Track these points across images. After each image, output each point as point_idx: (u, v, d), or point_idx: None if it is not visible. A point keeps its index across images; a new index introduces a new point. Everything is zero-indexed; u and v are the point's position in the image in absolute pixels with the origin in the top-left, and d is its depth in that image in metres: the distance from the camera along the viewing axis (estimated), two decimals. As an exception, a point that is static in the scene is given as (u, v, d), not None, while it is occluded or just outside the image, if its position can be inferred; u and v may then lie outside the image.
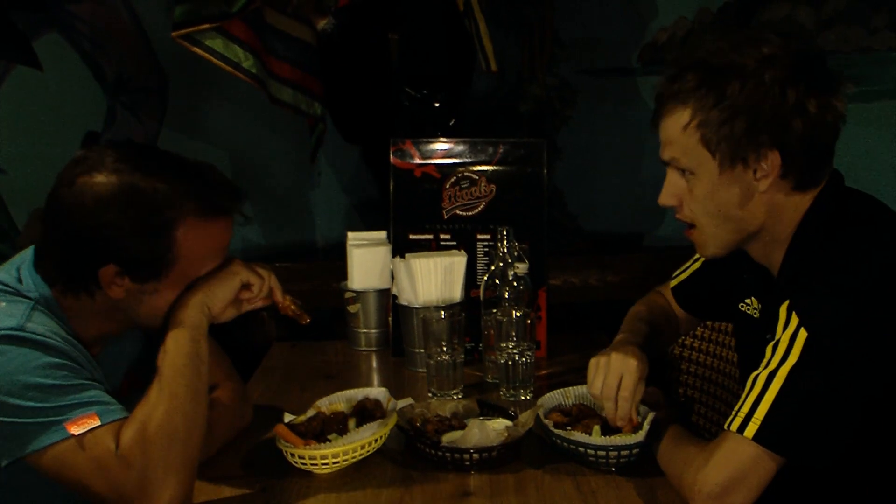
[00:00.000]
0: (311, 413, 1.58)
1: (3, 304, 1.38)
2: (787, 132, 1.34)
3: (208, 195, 1.42)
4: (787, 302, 1.31)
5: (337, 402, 1.62)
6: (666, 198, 1.47)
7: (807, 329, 1.27)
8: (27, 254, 1.47)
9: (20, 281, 1.42)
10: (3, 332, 1.32)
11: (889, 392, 1.31)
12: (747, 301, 1.58)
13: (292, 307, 1.58)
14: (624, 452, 1.43)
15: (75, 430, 1.29)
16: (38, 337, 1.34)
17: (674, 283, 1.82)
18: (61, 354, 1.34)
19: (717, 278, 1.68)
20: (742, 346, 1.69)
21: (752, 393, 1.30)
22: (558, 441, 1.48)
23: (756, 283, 1.53)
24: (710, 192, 1.41)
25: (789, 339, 1.29)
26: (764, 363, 1.31)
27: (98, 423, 1.30)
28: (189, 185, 1.40)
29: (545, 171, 2.13)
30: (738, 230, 1.43)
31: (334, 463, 1.45)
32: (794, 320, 1.29)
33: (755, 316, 1.55)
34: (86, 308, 1.43)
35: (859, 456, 1.36)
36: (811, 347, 1.27)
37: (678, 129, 1.40)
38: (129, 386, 1.58)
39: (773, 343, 1.31)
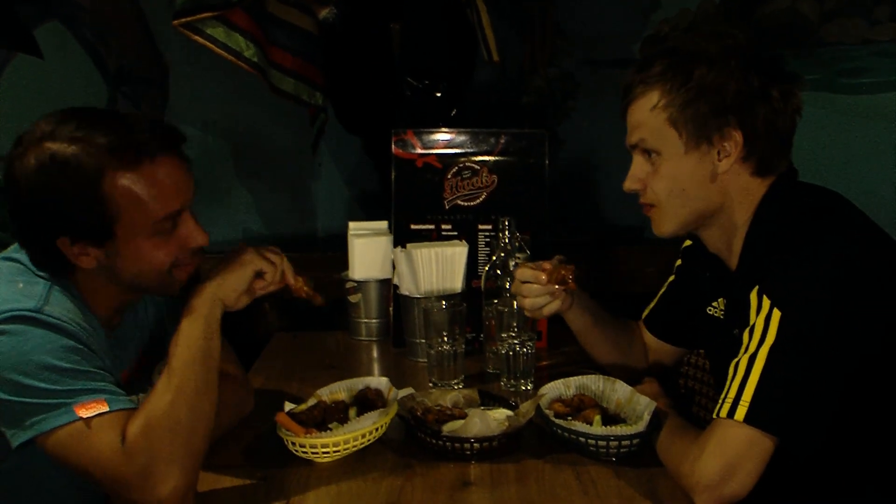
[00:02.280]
0: (311, 402, 1.58)
1: (21, 284, 1.40)
2: (750, 114, 1.41)
3: (123, 143, 1.38)
4: (756, 288, 1.35)
5: (338, 391, 1.62)
6: (631, 182, 1.52)
7: (780, 309, 1.31)
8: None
9: (31, 260, 1.44)
10: (21, 312, 1.34)
11: (866, 364, 1.33)
12: (714, 304, 1.63)
13: (305, 289, 1.57)
14: (624, 443, 1.43)
15: (83, 413, 1.30)
16: (55, 320, 1.36)
17: (644, 314, 1.86)
18: (76, 339, 1.36)
19: (684, 295, 1.73)
20: (712, 350, 1.72)
21: (735, 378, 1.32)
22: (559, 431, 1.48)
23: (716, 279, 1.57)
24: (675, 171, 1.47)
25: (764, 321, 1.31)
26: (742, 349, 1.33)
27: (107, 408, 1.31)
28: (107, 138, 1.37)
29: (547, 161, 2.13)
30: (696, 210, 1.49)
31: (335, 452, 1.45)
32: (767, 303, 1.32)
33: (721, 318, 1.60)
34: (90, 283, 1.45)
35: (847, 440, 1.37)
36: (787, 325, 1.30)
37: (646, 111, 1.46)
38: (141, 365, 1.60)
39: (748, 329, 1.34)
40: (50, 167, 1.35)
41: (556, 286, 1.67)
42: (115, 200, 1.37)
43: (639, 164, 1.51)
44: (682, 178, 1.46)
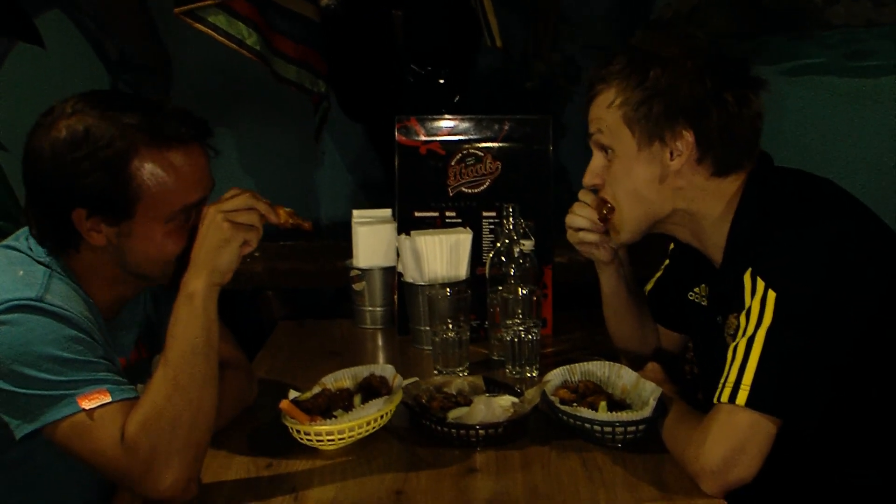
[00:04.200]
0: (316, 390, 1.58)
1: (21, 272, 1.39)
2: (702, 117, 1.43)
3: (160, 125, 1.40)
4: (749, 271, 1.35)
5: (342, 378, 1.62)
6: (590, 177, 1.56)
7: (774, 289, 1.31)
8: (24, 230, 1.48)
9: (30, 248, 1.44)
10: (22, 301, 1.33)
11: (862, 341, 1.33)
12: (696, 290, 1.64)
13: (291, 220, 1.48)
14: (630, 429, 1.43)
15: (86, 404, 1.29)
16: (57, 308, 1.35)
17: (646, 292, 1.85)
18: (79, 328, 1.35)
19: (675, 279, 1.73)
20: (695, 336, 1.73)
21: (734, 362, 1.32)
22: (564, 417, 1.48)
23: (698, 266, 1.58)
24: (628, 169, 1.49)
25: (760, 303, 1.32)
26: (740, 332, 1.33)
27: (109, 399, 1.31)
28: (140, 119, 1.39)
29: (551, 147, 2.12)
30: (651, 213, 1.51)
31: (340, 439, 1.45)
32: (761, 284, 1.33)
33: (703, 304, 1.60)
34: (91, 268, 1.44)
35: (846, 418, 1.38)
36: (783, 306, 1.30)
37: (603, 108, 1.49)
38: (140, 354, 1.59)
39: (744, 312, 1.34)
40: (81, 138, 1.36)
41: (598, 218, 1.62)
42: (141, 180, 1.38)
43: (597, 159, 1.54)
44: (635, 176, 1.49)
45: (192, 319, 1.36)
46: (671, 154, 1.46)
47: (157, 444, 1.29)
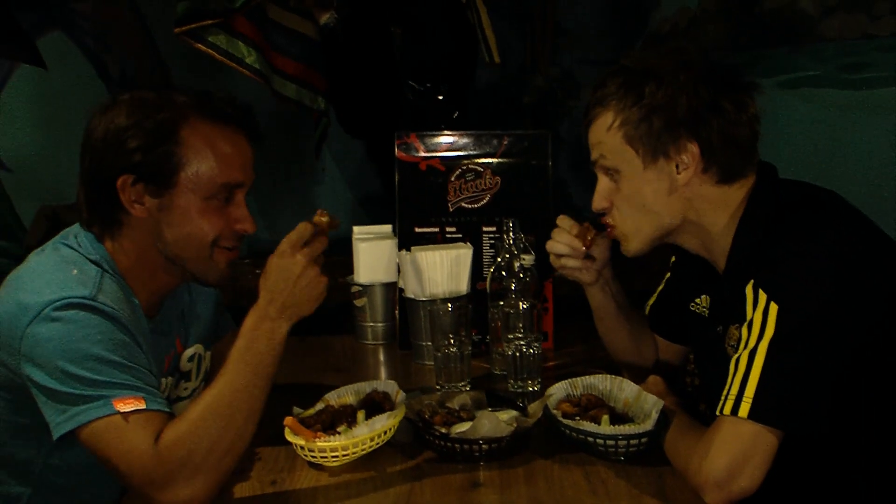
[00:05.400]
0: (319, 406, 1.58)
1: (76, 270, 1.43)
2: (703, 126, 1.43)
3: (211, 103, 1.48)
4: (751, 283, 1.36)
5: (345, 394, 1.62)
6: (598, 201, 1.56)
7: (777, 302, 1.32)
8: (76, 226, 1.54)
9: (79, 245, 1.48)
10: (77, 300, 1.36)
11: (864, 353, 1.34)
12: (697, 300, 1.64)
13: (329, 225, 1.50)
14: (633, 442, 1.43)
15: (122, 407, 1.31)
16: (109, 309, 1.38)
17: (645, 311, 1.86)
18: (127, 331, 1.39)
19: (678, 291, 1.73)
20: (696, 346, 1.73)
21: (737, 374, 1.32)
22: (567, 431, 1.48)
23: (702, 276, 1.59)
24: (636, 188, 1.49)
25: (762, 316, 1.32)
26: (742, 344, 1.34)
27: (143, 406, 1.32)
28: (192, 97, 1.49)
29: (550, 162, 2.13)
30: (660, 225, 1.51)
31: (344, 455, 1.46)
32: (763, 297, 1.33)
33: (704, 315, 1.61)
34: (134, 257, 1.49)
35: (848, 429, 1.38)
36: (785, 318, 1.31)
37: (603, 131, 1.49)
38: (177, 354, 1.64)
39: (746, 324, 1.34)
40: (136, 106, 1.45)
41: (581, 243, 1.66)
42: (188, 147, 1.44)
43: (604, 183, 1.54)
44: (644, 193, 1.49)
45: (267, 352, 1.39)
46: (677, 167, 1.46)
47: (188, 459, 1.30)
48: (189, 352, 1.68)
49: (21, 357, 1.36)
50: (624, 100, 1.46)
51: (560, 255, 1.69)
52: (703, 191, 1.48)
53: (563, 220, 1.69)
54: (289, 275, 1.41)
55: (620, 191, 1.51)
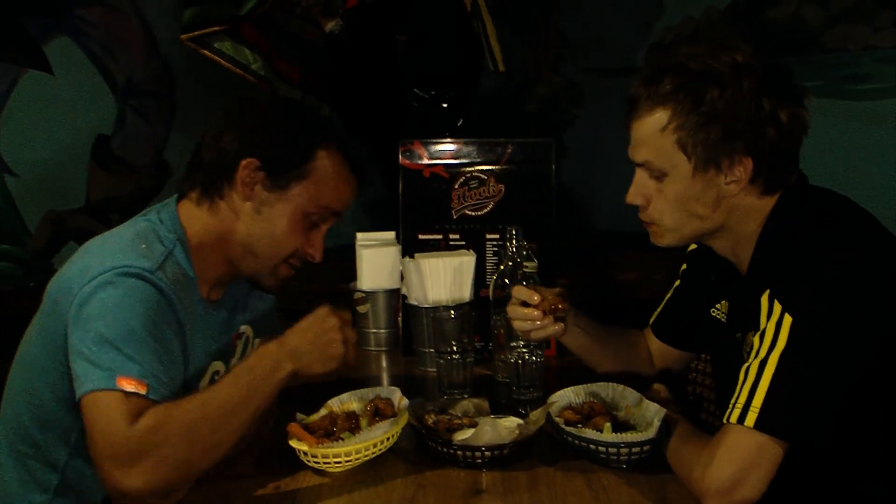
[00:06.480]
0: (323, 412, 1.59)
1: (144, 245, 1.46)
2: (760, 140, 1.40)
3: (347, 144, 1.60)
4: (766, 293, 1.35)
5: (349, 401, 1.63)
6: (634, 196, 1.51)
7: (791, 314, 1.31)
8: (172, 198, 1.59)
9: (160, 221, 1.52)
10: (135, 269, 1.40)
11: (876, 370, 1.33)
12: (717, 306, 1.63)
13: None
14: (635, 450, 1.44)
15: (124, 385, 1.32)
16: (164, 286, 1.42)
17: (651, 320, 1.86)
18: (174, 314, 1.43)
19: (690, 298, 1.73)
20: (714, 352, 1.73)
21: (746, 383, 1.32)
22: (569, 439, 1.49)
23: (723, 282, 1.58)
24: (681, 194, 1.45)
25: (775, 326, 1.32)
26: (753, 353, 1.34)
27: (144, 393, 1.33)
28: (334, 132, 1.61)
29: (553, 170, 2.14)
30: (699, 229, 1.50)
31: (347, 461, 1.46)
32: (778, 308, 1.32)
33: (723, 320, 1.60)
34: (209, 235, 1.53)
35: (856, 444, 1.38)
36: (798, 330, 1.30)
37: (655, 131, 1.44)
38: (231, 345, 1.67)
39: (759, 333, 1.34)
40: (294, 105, 1.64)
41: (546, 315, 1.67)
42: (318, 165, 1.54)
43: (642, 179, 1.49)
44: (687, 199, 1.45)
45: (265, 381, 1.41)
46: (726, 178, 1.42)
47: (156, 449, 1.29)
48: (240, 329, 1.71)
49: (70, 317, 1.38)
50: (683, 102, 1.40)
51: (518, 324, 1.70)
52: (746, 201, 1.45)
53: (520, 292, 1.69)
54: (315, 326, 1.47)
55: (663, 192, 1.47)
